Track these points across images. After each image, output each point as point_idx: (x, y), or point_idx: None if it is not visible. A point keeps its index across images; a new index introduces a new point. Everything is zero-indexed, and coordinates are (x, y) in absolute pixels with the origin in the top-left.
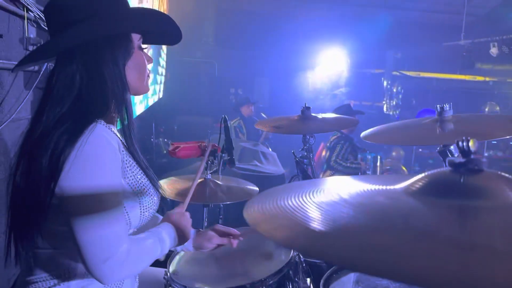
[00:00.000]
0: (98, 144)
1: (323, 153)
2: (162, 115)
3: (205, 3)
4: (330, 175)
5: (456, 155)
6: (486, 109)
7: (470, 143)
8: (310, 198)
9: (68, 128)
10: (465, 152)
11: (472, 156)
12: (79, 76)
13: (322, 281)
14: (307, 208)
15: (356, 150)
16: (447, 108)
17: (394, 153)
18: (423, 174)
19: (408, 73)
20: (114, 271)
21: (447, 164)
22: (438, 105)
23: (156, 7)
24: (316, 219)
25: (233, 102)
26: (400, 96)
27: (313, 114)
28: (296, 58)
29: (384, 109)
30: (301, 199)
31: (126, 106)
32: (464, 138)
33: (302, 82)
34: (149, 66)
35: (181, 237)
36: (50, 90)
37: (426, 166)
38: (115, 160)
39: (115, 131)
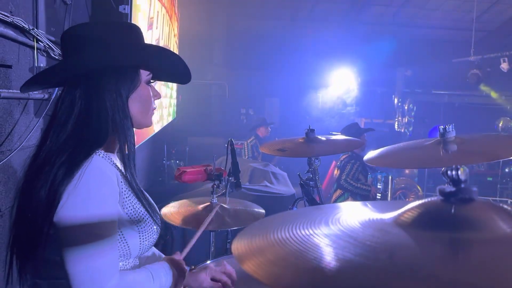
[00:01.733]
0: (94, 177)
1: (335, 172)
2: (173, 137)
3: (215, 25)
4: (341, 194)
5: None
6: (500, 124)
7: (460, 171)
8: (300, 231)
9: (67, 159)
10: (455, 181)
11: (462, 185)
12: (80, 102)
13: None
14: (294, 242)
15: (366, 170)
16: (450, 129)
17: (407, 171)
18: (414, 204)
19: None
20: None
21: (437, 192)
22: (440, 126)
23: (166, 32)
24: (301, 255)
25: (244, 122)
26: (413, 113)
27: (318, 137)
28: (306, 77)
29: (396, 126)
30: (291, 232)
31: (127, 136)
32: (453, 166)
33: (313, 101)
34: (157, 102)
35: (180, 270)
36: (56, 115)
37: (441, 182)
38: (111, 192)
39: (115, 161)
